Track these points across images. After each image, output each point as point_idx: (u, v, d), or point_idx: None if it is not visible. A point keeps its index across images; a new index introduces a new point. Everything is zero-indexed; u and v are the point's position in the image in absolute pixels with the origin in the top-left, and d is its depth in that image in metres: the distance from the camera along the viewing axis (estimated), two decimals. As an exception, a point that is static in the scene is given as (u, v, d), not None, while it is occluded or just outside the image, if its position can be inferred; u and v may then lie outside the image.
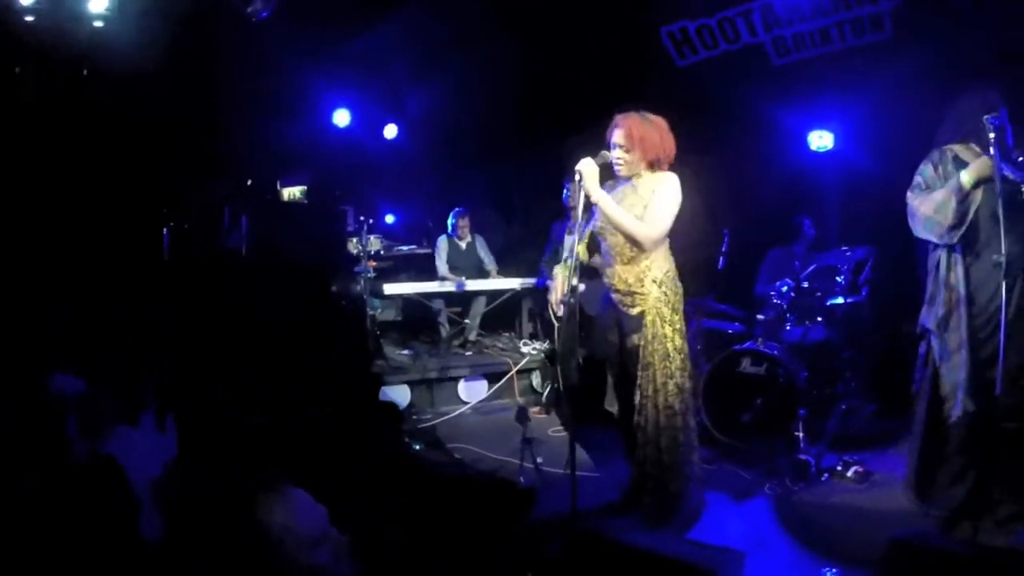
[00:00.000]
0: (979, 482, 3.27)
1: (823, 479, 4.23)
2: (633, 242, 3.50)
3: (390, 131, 8.37)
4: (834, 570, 3.17)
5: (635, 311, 3.57)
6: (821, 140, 6.17)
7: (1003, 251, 3.03)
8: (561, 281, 3.65)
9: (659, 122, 3.56)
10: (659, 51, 6.39)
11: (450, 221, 7.45)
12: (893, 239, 4.61)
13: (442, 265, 7.34)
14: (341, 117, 7.96)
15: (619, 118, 3.57)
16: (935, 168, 3.43)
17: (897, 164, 3.93)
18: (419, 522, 3.06)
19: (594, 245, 3.79)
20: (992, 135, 3.11)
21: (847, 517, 3.74)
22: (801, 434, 4.47)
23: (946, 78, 4.52)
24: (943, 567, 2.43)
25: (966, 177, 3.24)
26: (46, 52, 4.99)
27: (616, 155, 3.54)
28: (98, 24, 5.01)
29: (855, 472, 4.19)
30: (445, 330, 7.29)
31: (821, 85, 5.87)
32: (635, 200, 3.53)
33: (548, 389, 6.21)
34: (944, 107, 3.53)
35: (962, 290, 3.30)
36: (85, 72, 5.12)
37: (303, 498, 2.49)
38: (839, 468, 4.25)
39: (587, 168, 3.42)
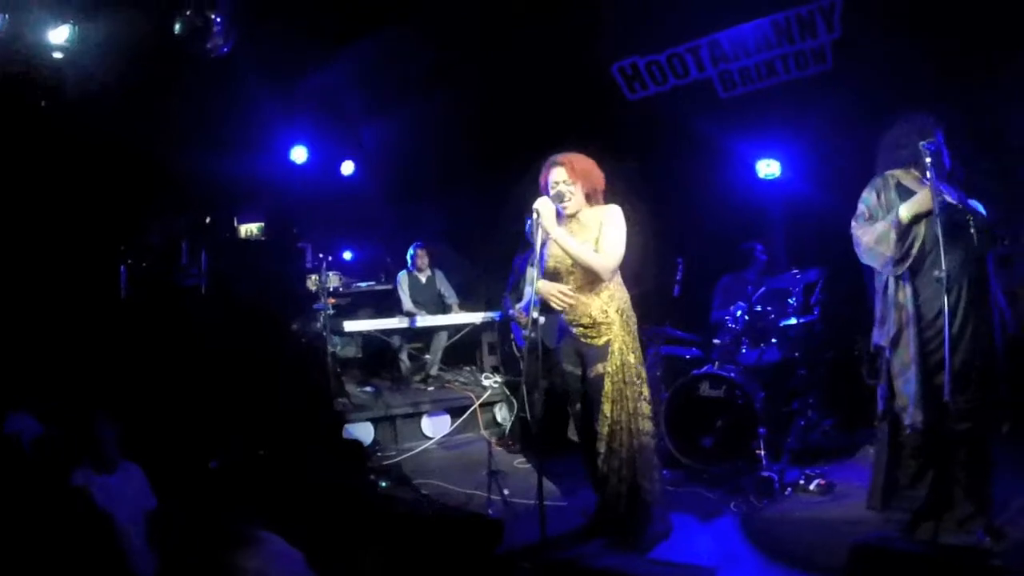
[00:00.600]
0: (937, 484, 3.36)
1: (787, 494, 4.31)
2: (592, 274, 3.59)
3: (347, 167, 8.37)
4: (803, 580, 3.24)
5: (601, 341, 3.63)
6: (769, 168, 6.36)
7: (943, 267, 3.11)
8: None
9: (587, 156, 3.69)
10: (610, 86, 6.57)
11: (409, 254, 7.44)
12: (840, 260, 4.75)
13: (407, 300, 7.29)
14: (298, 154, 7.94)
15: (555, 159, 3.66)
16: (878, 195, 3.48)
17: (841, 188, 4.07)
18: (391, 560, 3.03)
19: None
20: (929, 159, 3.19)
21: (813, 528, 3.82)
22: (762, 452, 4.56)
23: (886, 105, 4.73)
24: (905, 567, 2.50)
25: (904, 212, 3.30)
26: (5, 83, 4.88)
27: (561, 190, 3.60)
28: (58, 55, 4.92)
29: (817, 485, 4.29)
30: (406, 366, 7.24)
31: (767, 116, 6.08)
32: (586, 234, 3.63)
33: (512, 421, 6.20)
34: (881, 135, 3.62)
35: (911, 309, 3.36)
36: (43, 103, 5.02)
37: (279, 544, 2.46)
38: (802, 482, 4.35)
39: (544, 207, 3.51)
